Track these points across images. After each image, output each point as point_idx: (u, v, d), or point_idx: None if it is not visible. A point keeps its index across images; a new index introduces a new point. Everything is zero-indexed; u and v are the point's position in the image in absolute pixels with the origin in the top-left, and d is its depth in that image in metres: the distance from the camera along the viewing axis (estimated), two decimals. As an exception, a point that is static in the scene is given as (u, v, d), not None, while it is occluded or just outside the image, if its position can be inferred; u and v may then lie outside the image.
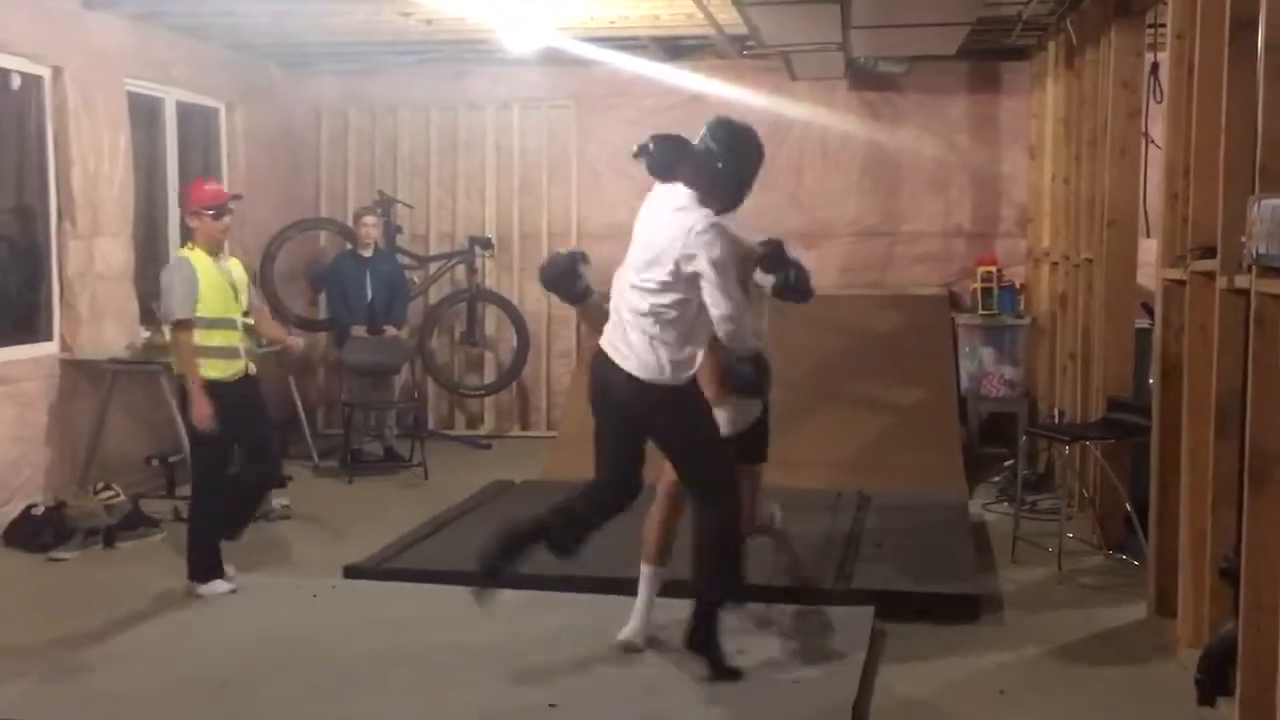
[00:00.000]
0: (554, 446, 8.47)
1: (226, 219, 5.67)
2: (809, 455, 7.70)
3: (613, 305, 4.47)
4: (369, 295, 8.64)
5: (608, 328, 4.47)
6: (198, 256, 5.55)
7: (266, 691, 4.43)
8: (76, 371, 7.35)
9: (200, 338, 5.47)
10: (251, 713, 4.26)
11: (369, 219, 8.82)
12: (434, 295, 9.66)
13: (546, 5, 7.25)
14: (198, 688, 4.43)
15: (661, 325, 4.29)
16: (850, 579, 5.65)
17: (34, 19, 6.99)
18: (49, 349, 7.30)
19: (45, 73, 7.22)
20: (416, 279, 9.49)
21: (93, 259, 7.48)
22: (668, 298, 4.28)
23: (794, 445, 7.82)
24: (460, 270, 9.57)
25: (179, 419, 5.98)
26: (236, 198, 5.97)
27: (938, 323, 8.67)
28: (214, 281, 5.53)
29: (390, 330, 8.67)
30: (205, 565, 5.57)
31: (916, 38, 7.18)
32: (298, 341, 6.30)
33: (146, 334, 7.72)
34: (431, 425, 9.62)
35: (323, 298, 9.38)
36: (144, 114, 8.23)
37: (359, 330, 8.59)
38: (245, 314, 5.71)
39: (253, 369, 5.74)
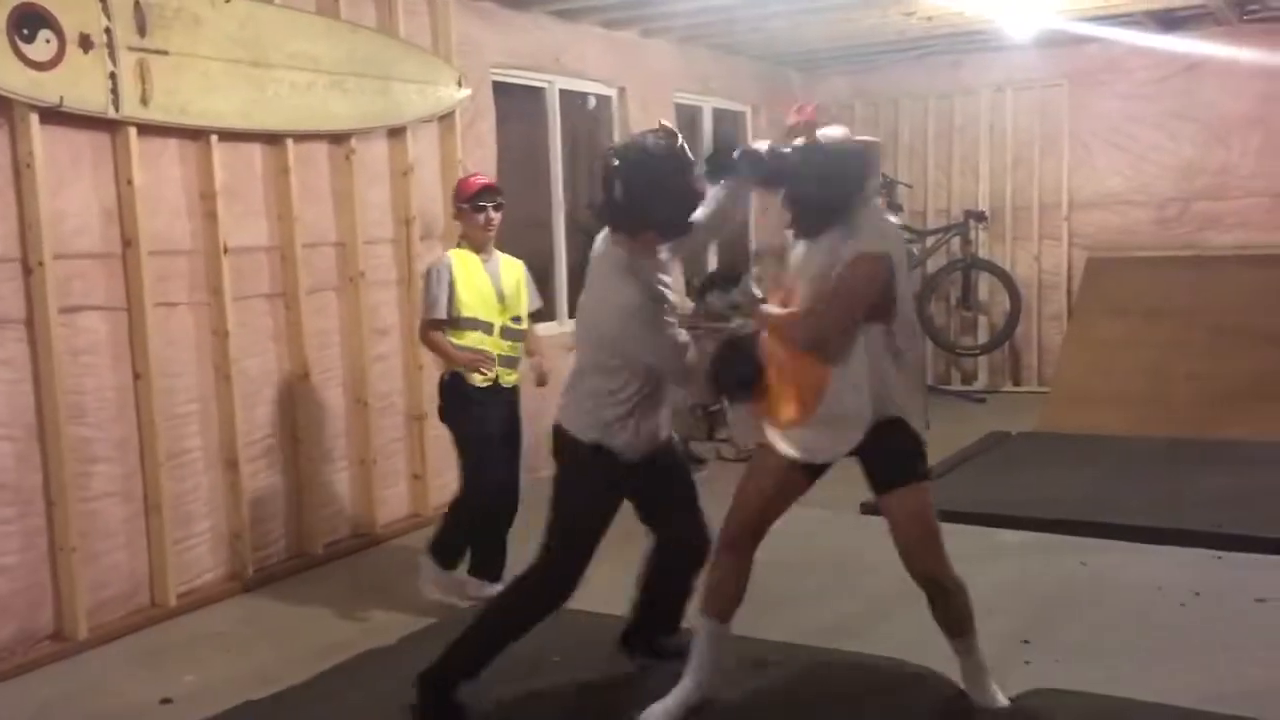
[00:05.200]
0: (1048, 401, 8.07)
1: (490, 214, 4.66)
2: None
3: None
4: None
5: None
6: (460, 255, 4.66)
7: (835, 605, 4.55)
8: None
9: (454, 338, 4.61)
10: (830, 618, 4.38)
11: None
12: (931, 265, 9.48)
13: (1043, -10, 6.87)
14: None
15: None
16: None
17: (604, 49, 7.57)
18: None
19: (613, 93, 7.81)
20: (915, 251, 9.34)
21: (650, 244, 8.00)
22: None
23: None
24: (955, 242, 9.33)
25: (445, 425, 4.78)
26: (495, 190, 4.76)
27: None
28: (473, 283, 4.63)
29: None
30: (440, 545, 4.78)
31: None
32: (540, 362, 4.88)
33: (690, 305, 8.12)
34: (929, 381, 9.46)
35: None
36: (686, 121, 8.67)
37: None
38: (515, 319, 4.74)
39: (509, 380, 4.71)
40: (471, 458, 4.68)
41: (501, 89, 6.78)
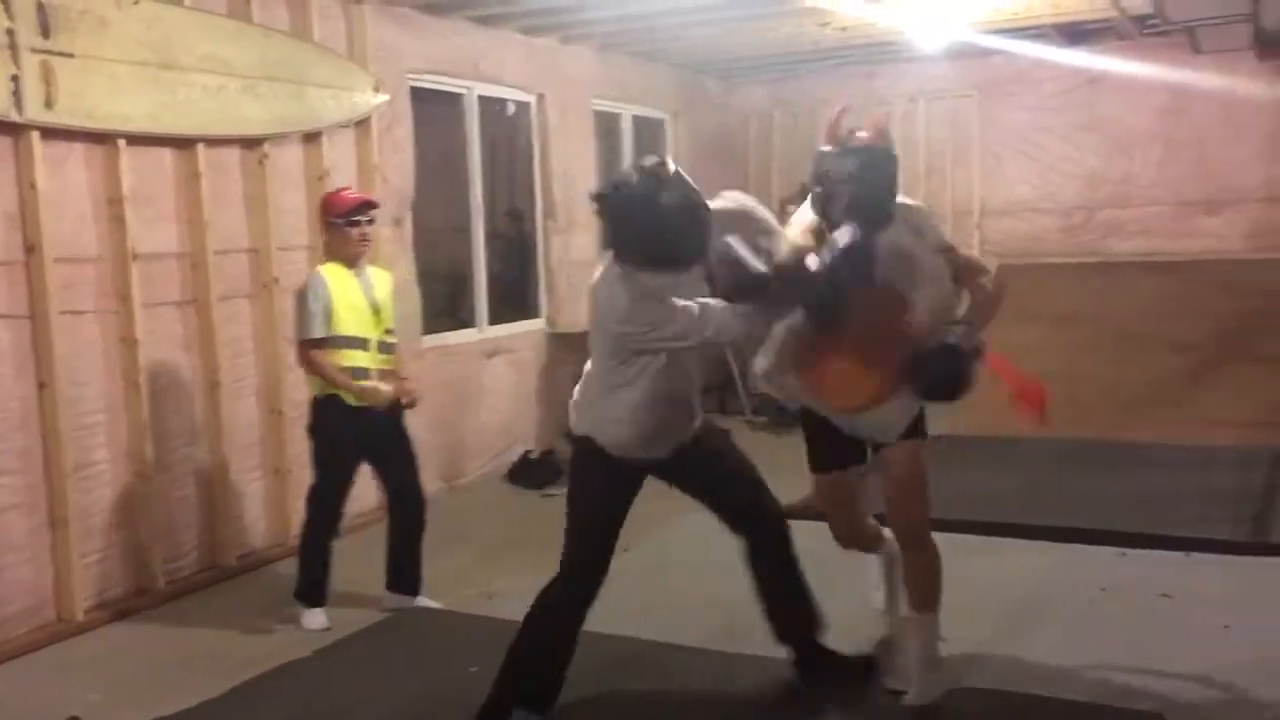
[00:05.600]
0: (961, 405, 8.22)
1: (363, 229, 4.58)
2: (1217, 413, 7.07)
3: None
4: (793, 272, 8.73)
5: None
6: (332, 271, 4.54)
7: (737, 611, 4.57)
8: (558, 341, 7.88)
9: (335, 358, 4.49)
10: (732, 626, 4.42)
11: (792, 206, 8.85)
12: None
13: (955, 3, 7.00)
14: (672, 606, 4.65)
15: None
16: (1269, 533, 5.14)
17: (523, 56, 7.55)
18: (538, 324, 7.90)
19: (532, 99, 7.79)
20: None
21: (569, 249, 8.02)
22: None
23: (1201, 404, 7.24)
24: (872, 249, 9.47)
25: (310, 440, 4.68)
26: (372, 205, 4.70)
27: (1357, 283, 7.66)
28: (348, 298, 4.52)
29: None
30: (306, 586, 4.69)
31: (1334, -1, 6.35)
32: (412, 390, 4.83)
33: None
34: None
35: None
36: (606, 127, 8.70)
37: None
38: (389, 331, 4.67)
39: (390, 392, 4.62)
40: (331, 476, 4.64)
41: (419, 94, 6.73)
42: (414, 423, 6.42)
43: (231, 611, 4.86)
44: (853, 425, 3.57)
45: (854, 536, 3.83)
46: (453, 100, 7.17)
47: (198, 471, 5.30)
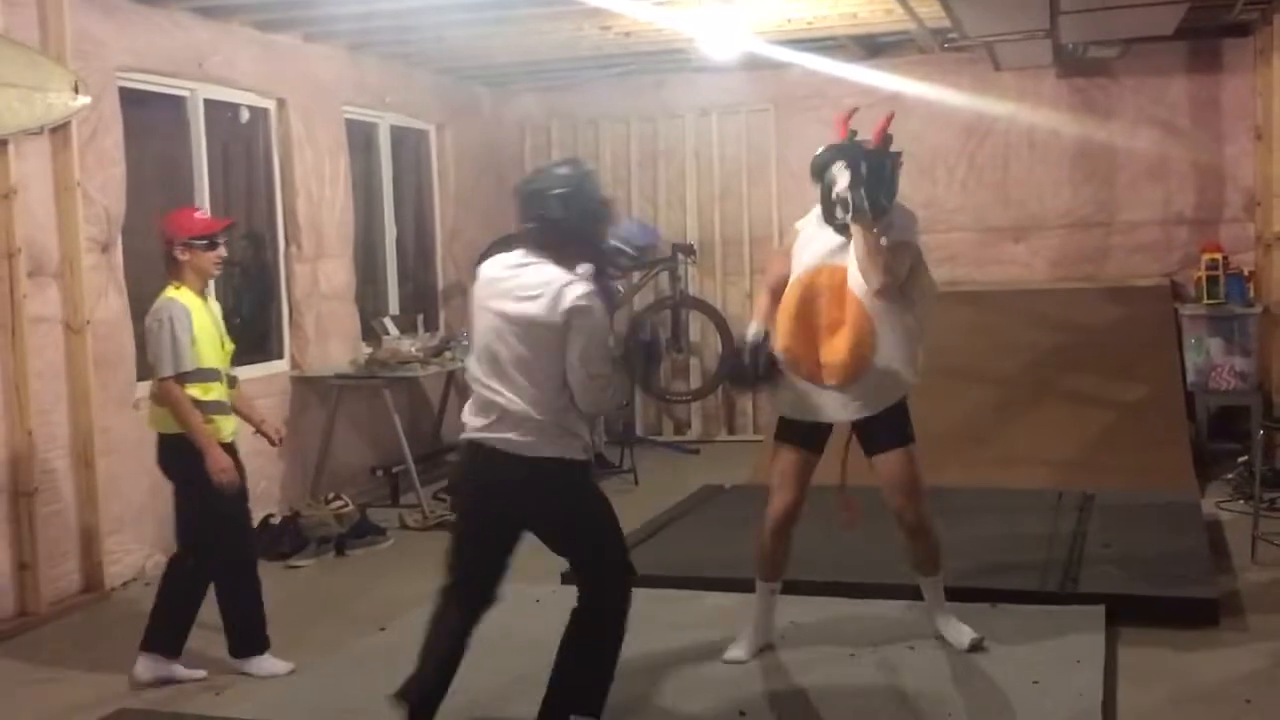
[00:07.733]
0: (763, 450, 8.43)
1: (222, 251, 4.87)
2: (1026, 454, 7.51)
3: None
4: (577, 305, 8.79)
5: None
6: (187, 297, 4.70)
7: (490, 692, 4.52)
8: (305, 387, 7.69)
9: (199, 392, 4.65)
10: (476, 712, 4.35)
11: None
12: (638, 303, 9.75)
13: (744, 9, 7.24)
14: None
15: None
16: (1077, 582, 5.46)
17: (259, 56, 7.36)
18: (280, 367, 7.67)
19: (271, 105, 7.59)
20: (620, 287, 9.59)
21: (317, 280, 7.82)
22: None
23: (1010, 444, 7.66)
24: (664, 278, 9.63)
25: (180, 495, 4.80)
26: (232, 225, 5.18)
27: (1159, 314, 8.30)
28: (206, 326, 4.73)
29: (598, 339, 8.77)
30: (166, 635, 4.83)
31: (1130, 19, 6.88)
32: (278, 429, 5.27)
33: (368, 350, 8.04)
34: (640, 432, 9.70)
35: (531, 309, 9.54)
36: (360, 139, 8.57)
37: (568, 340, 8.72)
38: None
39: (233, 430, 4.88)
40: (225, 515, 4.75)
41: (133, 97, 6.46)
42: (128, 488, 6.18)
43: None
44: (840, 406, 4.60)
45: (788, 517, 4.68)
46: (175, 105, 6.92)
47: None
